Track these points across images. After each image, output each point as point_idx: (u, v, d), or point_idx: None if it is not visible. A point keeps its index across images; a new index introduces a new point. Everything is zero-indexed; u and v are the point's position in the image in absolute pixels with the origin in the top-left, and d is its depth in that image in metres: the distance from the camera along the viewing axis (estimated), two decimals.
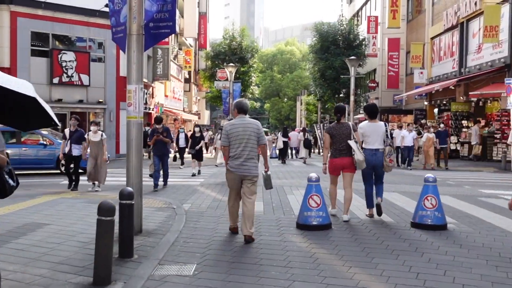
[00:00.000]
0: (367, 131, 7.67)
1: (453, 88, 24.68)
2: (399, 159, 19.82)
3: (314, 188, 6.81)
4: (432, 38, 29.45)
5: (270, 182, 6.65)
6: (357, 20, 41.66)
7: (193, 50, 42.87)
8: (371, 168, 7.61)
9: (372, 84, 37.67)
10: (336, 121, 7.78)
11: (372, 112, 7.90)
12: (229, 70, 27.94)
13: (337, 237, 6.34)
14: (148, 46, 6.70)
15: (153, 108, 29.55)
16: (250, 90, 35.05)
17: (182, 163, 19.42)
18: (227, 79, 29.45)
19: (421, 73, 29.65)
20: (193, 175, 15.44)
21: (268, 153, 26.91)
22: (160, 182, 11.84)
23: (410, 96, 29.93)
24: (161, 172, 11.88)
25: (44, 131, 15.89)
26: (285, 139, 25.58)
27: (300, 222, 6.87)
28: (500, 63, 20.86)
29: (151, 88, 29.34)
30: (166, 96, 34.12)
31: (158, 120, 12.18)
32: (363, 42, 32.13)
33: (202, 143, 16.41)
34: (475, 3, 22.99)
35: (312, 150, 31.03)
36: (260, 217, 7.82)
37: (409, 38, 34.53)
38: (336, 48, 30.19)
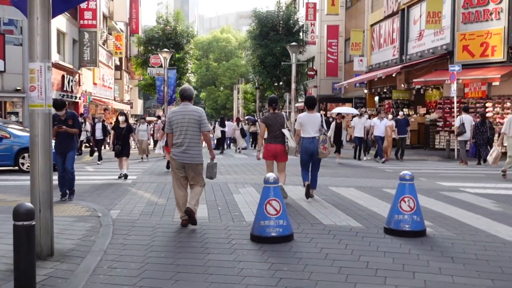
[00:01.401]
0: (305, 121, 8.40)
1: (393, 75, 24.31)
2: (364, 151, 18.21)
3: (272, 192, 5.56)
4: (371, 25, 29.05)
5: (214, 171, 6.72)
6: (295, 8, 40.81)
7: (124, 36, 40.33)
8: (309, 155, 8.36)
9: (311, 72, 37.07)
10: (271, 111, 8.58)
11: (311, 104, 8.66)
12: (164, 56, 26.14)
13: (304, 253, 5.13)
14: (57, 12, 5.16)
15: (80, 97, 27.24)
16: (186, 78, 33.33)
17: (100, 158, 17.07)
18: (161, 66, 27.60)
19: (361, 60, 29.22)
20: (122, 176, 11.89)
21: None
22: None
23: (350, 84, 29.46)
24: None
25: None
26: (223, 129, 24.85)
27: (256, 233, 5.60)
28: (442, 50, 20.58)
29: (77, 75, 27.00)
30: (94, 84, 31.73)
31: (59, 104, 8.53)
32: (303, 29, 31.20)
33: (132, 137, 13.04)
34: None
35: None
36: (205, 225, 6.49)
37: (348, 25, 34.09)
38: (276, 34, 29.07)
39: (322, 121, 8.50)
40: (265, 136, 8.69)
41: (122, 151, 12.04)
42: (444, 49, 20.39)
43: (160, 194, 9.39)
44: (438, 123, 20.82)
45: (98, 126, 18.82)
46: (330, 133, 15.97)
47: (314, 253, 5.13)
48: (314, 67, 37.53)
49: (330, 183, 10.78)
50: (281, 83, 30.22)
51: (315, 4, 37.25)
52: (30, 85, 4.95)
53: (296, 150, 8.45)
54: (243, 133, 27.76)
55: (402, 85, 24.35)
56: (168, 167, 11.66)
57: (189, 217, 6.22)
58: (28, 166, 13.47)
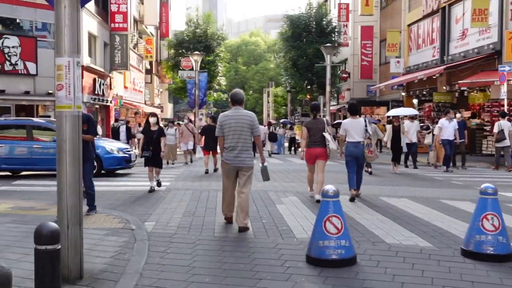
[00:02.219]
0: (349, 126, 8.81)
1: (434, 77, 23.19)
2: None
3: (332, 207, 4.79)
4: (409, 25, 27.93)
5: (267, 174, 6.80)
6: (326, 9, 39.87)
7: (154, 39, 40.16)
8: (354, 158, 8.76)
9: (344, 75, 36.07)
10: (312, 117, 9.06)
11: (354, 110, 9.03)
12: (195, 59, 25.69)
13: (374, 281, 4.34)
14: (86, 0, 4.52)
15: (111, 101, 26.97)
16: (217, 81, 32.75)
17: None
18: (192, 69, 27.14)
19: (398, 62, 28.16)
20: (151, 190, 10.20)
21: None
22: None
23: (386, 86, 28.38)
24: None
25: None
26: None
27: (313, 254, 4.83)
28: (489, 49, 19.40)
29: (108, 78, 26.74)
30: (125, 87, 31.49)
31: None
32: (335, 29, 30.28)
33: (163, 141, 10.44)
34: None
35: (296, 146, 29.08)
36: (251, 242, 5.76)
37: (383, 26, 33.01)
38: (309, 35, 28.20)
39: (366, 126, 8.91)
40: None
41: (153, 158, 10.19)
42: (491, 48, 19.21)
43: (197, 202, 8.71)
44: (485, 127, 19.63)
45: (122, 129, 18.16)
46: (386, 138, 14.52)
47: (386, 281, 4.33)
48: (346, 70, 36.54)
49: (379, 192, 9.92)
50: (314, 86, 29.30)
51: (347, 4, 36.29)
52: (57, 83, 4.31)
53: (341, 153, 9.23)
54: (273, 137, 27.19)
55: (444, 87, 23.19)
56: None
57: (242, 231, 6.29)
58: None
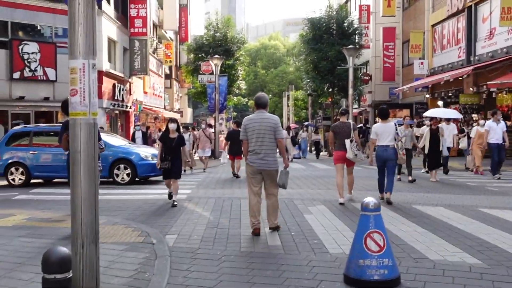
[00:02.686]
0: (380, 131, 8.94)
1: (460, 78, 22.47)
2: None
3: (373, 221, 4.32)
4: (433, 26, 27.20)
5: (287, 180, 6.65)
6: (346, 11, 39.28)
7: (173, 44, 40.07)
8: (383, 161, 8.94)
9: (366, 77, 35.40)
10: (340, 120, 9.62)
11: (385, 114, 9.24)
12: (215, 63, 25.39)
13: None
14: None
15: (131, 106, 26.81)
16: (237, 85, 32.35)
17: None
18: (212, 73, 26.83)
19: (422, 63, 27.43)
20: (174, 205, 9.02)
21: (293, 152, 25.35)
22: None
23: (410, 89, 27.69)
24: None
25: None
26: None
27: (353, 275, 4.36)
28: None
29: (128, 83, 26.58)
30: (145, 92, 31.34)
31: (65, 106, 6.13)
32: (357, 31, 29.67)
33: (185, 150, 9.69)
34: None
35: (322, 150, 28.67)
36: (281, 258, 5.31)
37: (406, 27, 32.30)
38: (330, 37, 27.62)
39: (396, 130, 9.14)
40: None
41: (171, 169, 9.10)
42: None
43: (220, 212, 8.29)
44: None
45: (138, 135, 17.59)
46: (422, 143, 13.22)
47: None
48: (368, 72, 35.86)
49: (411, 200, 9.38)
50: (336, 88, 28.68)
51: (368, 6, 35.70)
52: (70, 88, 3.94)
53: (370, 160, 9.51)
54: (294, 142, 26.92)
55: (471, 89, 22.43)
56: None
57: (274, 229, 6.56)
58: (122, 178, 12.96)
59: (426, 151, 13.07)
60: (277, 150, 6.55)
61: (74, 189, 3.95)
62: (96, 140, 4.01)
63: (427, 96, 27.68)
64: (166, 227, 7.13)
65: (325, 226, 6.99)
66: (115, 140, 14.19)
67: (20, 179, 13.13)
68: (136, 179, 13.08)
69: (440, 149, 13.09)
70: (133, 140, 17.01)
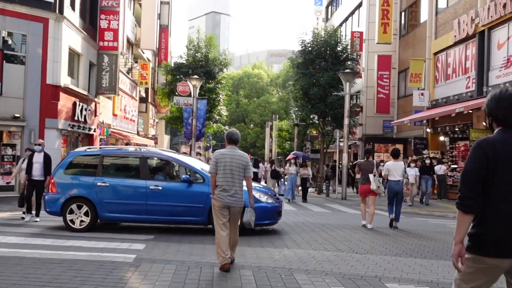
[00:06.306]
0: (391, 168, 11.11)
1: (470, 111, 19.88)
2: None
3: None
4: (435, 54, 24.80)
5: (253, 218, 6.80)
6: (338, 37, 36.95)
7: (150, 66, 37.04)
8: (395, 193, 11.08)
9: (357, 109, 32.75)
10: (365, 159, 11.66)
11: (396, 154, 11.50)
12: (193, 84, 22.48)
13: None
14: None
15: (95, 129, 23.49)
16: (217, 111, 29.36)
17: (37, 211, 11.19)
18: (189, 95, 23.83)
19: (422, 94, 24.88)
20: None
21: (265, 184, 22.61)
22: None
23: (410, 122, 25.05)
24: None
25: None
26: (256, 170, 22.38)
27: None
28: None
29: (93, 103, 23.34)
30: (114, 115, 28.07)
31: None
32: (352, 56, 27.08)
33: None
34: (504, 6, 18.34)
35: (331, 187, 25.11)
36: None
37: (403, 56, 29.97)
38: (322, 62, 24.91)
39: (405, 168, 11.92)
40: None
41: None
42: None
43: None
44: None
45: (37, 158, 11.20)
46: None
47: None
48: (359, 103, 33.23)
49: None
50: (327, 118, 25.82)
51: (361, 33, 33.47)
52: None
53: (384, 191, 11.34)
54: (276, 176, 24.44)
55: (483, 123, 19.77)
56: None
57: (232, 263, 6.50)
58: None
59: None
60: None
61: None
62: None
63: (428, 130, 25.03)
64: None
65: None
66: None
67: (82, 221, 9.64)
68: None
69: None
70: (29, 166, 11.16)
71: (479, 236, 2.90)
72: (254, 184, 11.52)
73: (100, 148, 11.96)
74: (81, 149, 11.55)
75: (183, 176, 9.53)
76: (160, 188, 9.41)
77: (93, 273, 6.01)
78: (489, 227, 2.86)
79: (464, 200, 2.90)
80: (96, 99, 23.73)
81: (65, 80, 19.39)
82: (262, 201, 9.53)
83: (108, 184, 9.57)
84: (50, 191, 9.96)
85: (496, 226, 2.86)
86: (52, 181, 9.93)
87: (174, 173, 10.32)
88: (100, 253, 7.24)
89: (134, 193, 9.48)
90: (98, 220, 9.76)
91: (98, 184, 9.56)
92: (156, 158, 10.30)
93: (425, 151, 24.30)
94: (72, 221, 9.53)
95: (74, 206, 9.52)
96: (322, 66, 25.01)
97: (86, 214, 9.53)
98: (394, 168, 10.92)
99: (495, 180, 2.88)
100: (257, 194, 9.46)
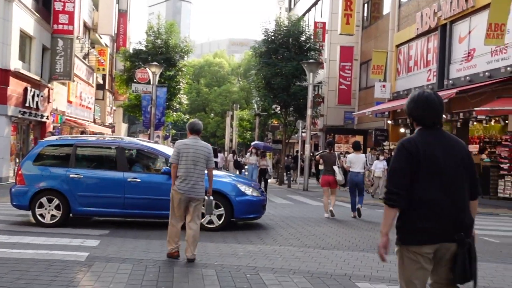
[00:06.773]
0: (353, 160, 11.56)
1: None
2: None
3: None
4: (398, 46, 24.90)
5: (211, 208, 6.86)
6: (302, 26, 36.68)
7: (108, 52, 35.78)
8: (355, 184, 11.62)
9: (318, 100, 32.67)
10: (328, 151, 11.95)
11: (357, 147, 11.95)
12: (152, 71, 21.73)
13: None
14: None
15: (48, 116, 22.40)
16: (178, 99, 28.61)
17: None
18: (149, 82, 23.06)
19: (383, 86, 24.97)
20: None
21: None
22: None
23: (370, 113, 25.11)
24: None
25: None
26: (216, 159, 21.42)
27: None
28: (506, 72, 16.25)
29: (46, 89, 22.23)
30: (69, 102, 26.94)
31: None
32: (316, 47, 26.84)
33: None
34: (466, 0, 18.46)
35: (292, 178, 24.80)
36: None
37: (365, 47, 30.02)
38: (286, 52, 24.56)
39: (366, 160, 12.38)
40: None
41: None
42: (509, 71, 16.11)
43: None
44: (502, 165, 16.34)
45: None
46: None
47: None
48: (320, 94, 33.14)
49: None
50: (290, 108, 25.56)
51: (324, 23, 33.34)
52: None
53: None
54: (238, 166, 24.14)
55: (444, 116, 19.96)
56: None
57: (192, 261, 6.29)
58: None
59: None
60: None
61: None
62: None
63: (389, 122, 25.19)
64: None
65: None
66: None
67: (53, 215, 8.88)
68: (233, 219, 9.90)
69: None
70: None
71: (405, 228, 3.14)
72: (244, 178, 11.43)
73: (60, 138, 11.08)
74: (51, 138, 10.80)
75: (164, 168, 8.89)
76: (139, 180, 8.82)
77: (40, 274, 5.46)
78: (413, 218, 3.09)
79: (391, 195, 3.13)
80: (49, 85, 22.61)
81: (15, 64, 18.30)
82: (247, 194, 9.14)
83: (82, 176, 8.88)
84: (17, 183, 9.17)
85: (420, 216, 3.10)
86: (20, 172, 9.13)
87: (154, 164, 9.70)
88: (49, 251, 6.66)
89: (111, 186, 8.84)
90: (71, 215, 9.07)
91: (71, 176, 8.85)
92: (134, 149, 9.69)
93: (385, 143, 24.42)
94: (42, 216, 8.83)
95: (44, 200, 8.79)
96: (285, 56, 24.68)
97: (57, 208, 8.81)
98: (356, 161, 11.43)
99: (419, 176, 3.12)
100: (242, 187, 9.16)
